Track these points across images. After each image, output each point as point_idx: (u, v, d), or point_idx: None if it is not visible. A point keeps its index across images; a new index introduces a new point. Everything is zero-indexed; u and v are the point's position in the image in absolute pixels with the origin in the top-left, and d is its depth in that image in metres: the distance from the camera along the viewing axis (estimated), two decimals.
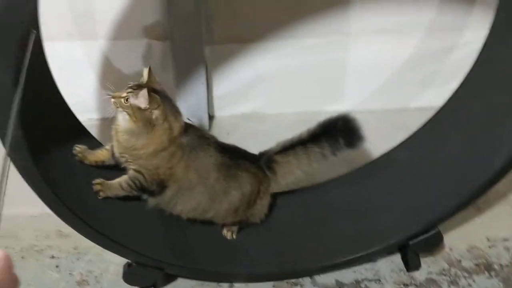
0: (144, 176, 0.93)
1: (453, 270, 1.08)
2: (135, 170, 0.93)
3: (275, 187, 1.05)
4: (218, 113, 1.52)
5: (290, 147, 1.01)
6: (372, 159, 1.22)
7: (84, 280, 1.05)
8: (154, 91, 0.88)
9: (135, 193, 0.96)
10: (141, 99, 0.85)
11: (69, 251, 1.11)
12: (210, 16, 1.30)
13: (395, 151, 1.20)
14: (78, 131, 1.04)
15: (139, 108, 0.87)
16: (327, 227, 1.10)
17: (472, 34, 1.38)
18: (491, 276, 1.07)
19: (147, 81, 0.90)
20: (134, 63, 1.38)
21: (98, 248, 1.08)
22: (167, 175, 0.93)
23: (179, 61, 1.30)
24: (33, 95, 0.82)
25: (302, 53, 1.40)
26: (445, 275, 1.07)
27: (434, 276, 1.07)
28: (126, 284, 1.00)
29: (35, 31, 0.73)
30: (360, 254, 1.03)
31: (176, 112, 0.93)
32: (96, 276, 1.06)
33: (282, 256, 1.05)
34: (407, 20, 1.36)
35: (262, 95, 1.49)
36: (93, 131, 1.12)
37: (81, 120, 1.05)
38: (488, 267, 1.09)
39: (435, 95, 1.24)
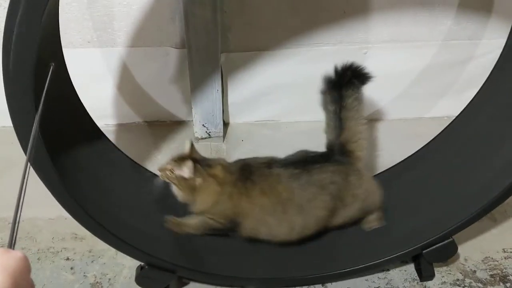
0: (215, 221, 0.99)
1: (467, 281, 1.07)
2: (207, 217, 1.00)
3: (360, 166, 1.02)
4: (232, 120, 1.54)
5: (342, 120, 1.01)
6: (387, 168, 1.22)
7: (97, 282, 1.07)
8: (195, 161, 0.95)
9: (208, 232, 1.01)
10: (185, 170, 0.93)
11: (84, 253, 1.13)
12: (226, 24, 1.32)
13: (410, 160, 1.20)
14: (96, 136, 1.06)
15: (183, 178, 0.93)
16: (340, 234, 1.10)
17: (489, 44, 1.37)
18: (506, 287, 1.05)
19: (189, 153, 0.97)
20: (151, 70, 1.41)
21: (112, 251, 1.10)
22: (236, 213, 0.97)
23: (195, 68, 1.32)
24: (52, 100, 0.85)
25: (318, 61, 1.40)
26: (459, 285, 1.06)
27: (448, 287, 1.06)
28: (138, 287, 1.01)
29: (53, 64, 0.76)
30: (373, 262, 1.02)
31: (215, 161, 0.98)
32: (109, 279, 1.08)
33: (294, 262, 1.05)
34: (424, 30, 1.36)
35: (276, 103, 1.50)
36: (110, 136, 1.14)
37: (99, 125, 1.07)
38: (503, 279, 1.07)
39: (451, 105, 1.24)
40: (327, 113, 1.03)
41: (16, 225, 0.51)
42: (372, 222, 1.08)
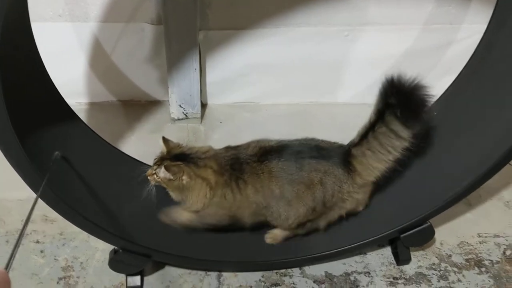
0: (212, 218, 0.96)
1: (443, 265, 1.08)
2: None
3: (361, 183, 0.93)
4: (211, 101, 1.50)
5: (364, 135, 0.88)
6: None
7: (69, 266, 1.03)
8: (176, 158, 0.90)
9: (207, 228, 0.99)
10: (165, 174, 0.89)
11: (55, 236, 1.09)
12: (205, 1, 1.27)
13: None
14: (66, 115, 1.01)
15: (169, 180, 0.89)
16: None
17: (470, 28, 1.37)
18: (481, 272, 1.07)
19: (167, 151, 0.92)
20: (126, 46, 1.35)
21: (84, 234, 1.06)
22: (231, 210, 0.94)
23: (172, 45, 1.27)
24: (20, 76, 0.80)
25: (298, 42, 1.38)
26: (435, 269, 1.07)
27: (424, 271, 1.07)
28: (112, 271, 0.98)
29: (58, 153, 0.81)
30: (350, 246, 1.02)
31: (204, 161, 0.91)
32: (81, 263, 1.04)
33: (271, 245, 1.04)
34: (405, 13, 1.35)
35: (256, 84, 1.48)
36: (82, 115, 1.10)
37: (70, 104, 1.02)
38: (478, 263, 1.08)
39: (432, 89, 1.23)
40: (370, 114, 0.88)
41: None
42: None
